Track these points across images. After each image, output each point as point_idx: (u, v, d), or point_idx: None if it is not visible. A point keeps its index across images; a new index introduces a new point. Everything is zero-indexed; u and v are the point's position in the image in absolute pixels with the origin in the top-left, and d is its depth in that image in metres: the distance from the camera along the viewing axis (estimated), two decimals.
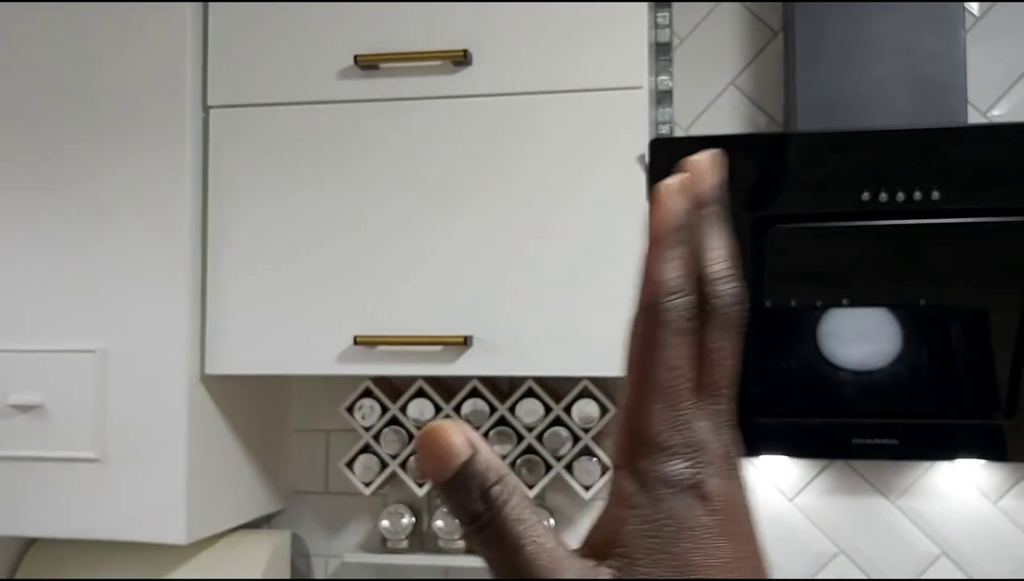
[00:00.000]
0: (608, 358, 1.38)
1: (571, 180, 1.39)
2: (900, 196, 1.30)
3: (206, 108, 1.49)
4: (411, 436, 1.66)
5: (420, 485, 1.65)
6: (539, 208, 1.40)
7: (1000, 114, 1.59)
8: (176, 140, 1.45)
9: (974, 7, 1.61)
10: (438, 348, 1.42)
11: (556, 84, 1.39)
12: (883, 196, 1.30)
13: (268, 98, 1.47)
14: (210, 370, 1.47)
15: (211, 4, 1.49)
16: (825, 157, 1.29)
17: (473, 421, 1.63)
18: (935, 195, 1.29)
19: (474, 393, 1.64)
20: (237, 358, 1.46)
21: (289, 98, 1.46)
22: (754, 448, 1.55)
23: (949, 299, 1.38)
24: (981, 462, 1.59)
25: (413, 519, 1.68)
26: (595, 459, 1.61)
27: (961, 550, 1.59)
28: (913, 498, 1.61)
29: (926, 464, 1.61)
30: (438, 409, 1.65)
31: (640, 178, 1.37)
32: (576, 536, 1.68)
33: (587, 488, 1.62)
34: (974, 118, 1.59)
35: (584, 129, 1.38)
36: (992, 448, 1.48)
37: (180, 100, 1.46)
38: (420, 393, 1.65)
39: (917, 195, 1.30)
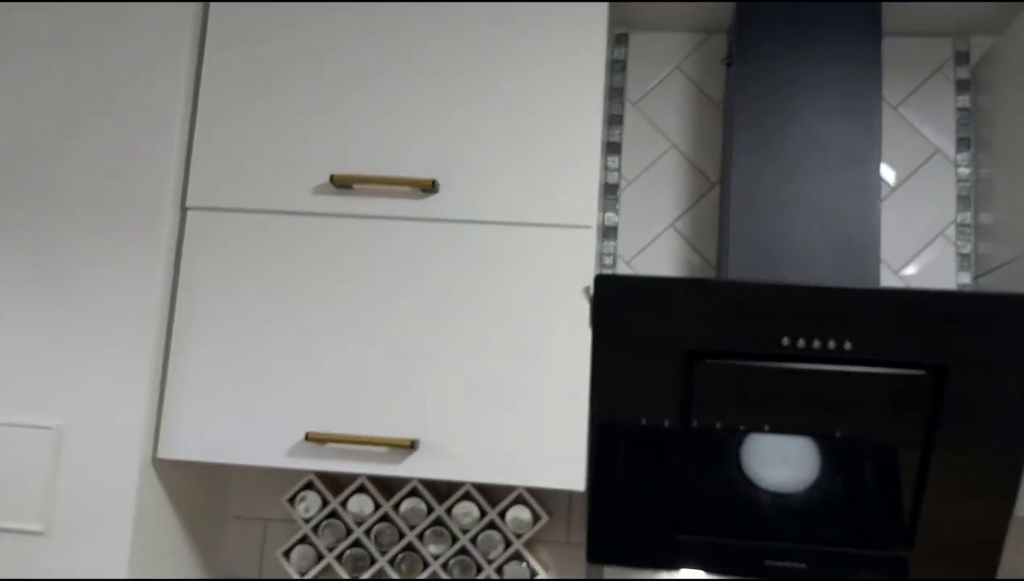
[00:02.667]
0: (543, 469, 1.48)
1: (521, 305, 1.50)
2: (816, 343, 1.44)
3: (184, 208, 1.59)
4: (349, 530, 1.72)
5: (354, 579, 1.71)
6: (491, 327, 1.50)
7: (910, 273, 1.76)
8: (152, 235, 1.54)
9: (890, 178, 1.79)
10: (385, 449, 1.50)
11: (514, 217, 1.52)
12: (801, 342, 1.44)
13: (245, 204, 1.57)
14: (162, 454, 1.53)
15: (200, 107, 1.59)
16: (752, 304, 1.42)
17: (410, 520, 1.70)
18: (847, 346, 1.43)
19: (414, 493, 1.71)
20: (190, 444, 1.52)
21: (265, 206, 1.56)
22: (674, 562, 1.65)
23: (861, 435, 1.50)
24: None
25: None
26: (524, 564, 1.69)
27: None
28: None
29: None
30: (377, 506, 1.72)
31: (584, 308, 1.49)
32: None
33: None
34: (886, 275, 1.76)
35: (536, 260, 1.51)
36: (894, 578, 1.59)
37: (160, 198, 1.55)
38: (361, 489, 1.72)
39: (831, 344, 1.43)
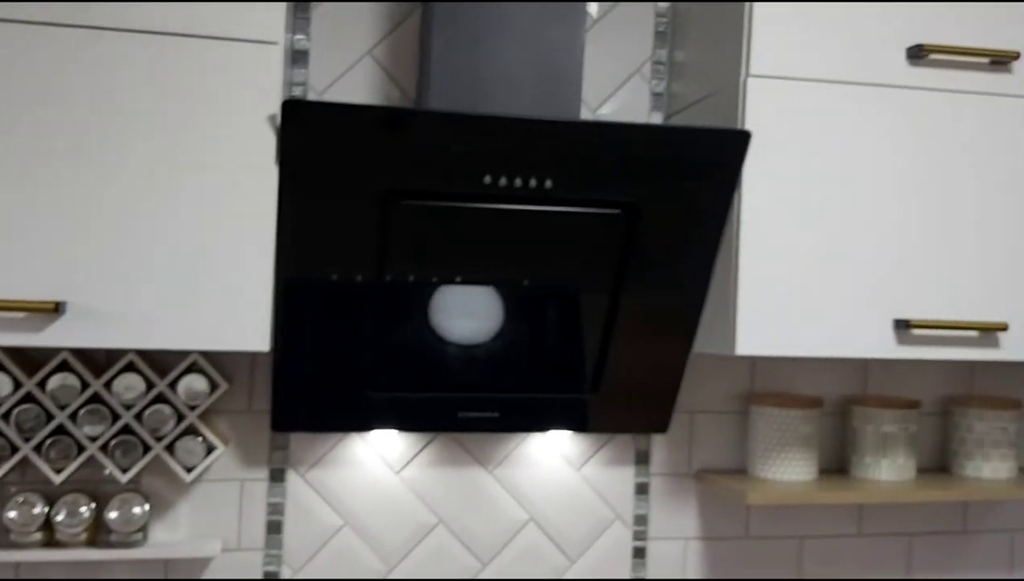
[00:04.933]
0: (222, 331, 1.31)
1: (194, 137, 1.29)
2: (518, 182, 1.37)
3: None
4: None
5: None
6: (157, 162, 1.28)
7: (606, 113, 1.74)
8: None
9: (593, 8, 1.74)
10: (22, 315, 1.24)
11: (182, 27, 1.28)
12: (503, 181, 1.36)
13: None
14: None
15: None
16: (454, 137, 1.32)
17: (61, 398, 1.45)
18: (548, 184, 1.38)
19: (63, 367, 1.45)
20: None
21: None
22: (366, 422, 1.56)
23: (551, 282, 1.48)
24: (569, 433, 1.73)
25: None
26: (200, 438, 1.51)
27: (546, 514, 1.73)
28: (508, 468, 1.72)
29: (522, 435, 1.73)
30: (18, 385, 1.44)
31: (270, 141, 1.30)
32: (174, 520, 1.57)
33: (189, 470, 1.51)
34: (584, 115, 1.73)
35: (212, 81, 1.29)
36: (579, 420, 1.63)
37: None
38: None
39: (533, 182, 1.37)
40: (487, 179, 1.36)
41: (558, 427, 1.63)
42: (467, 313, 1.50)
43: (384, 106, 1.30)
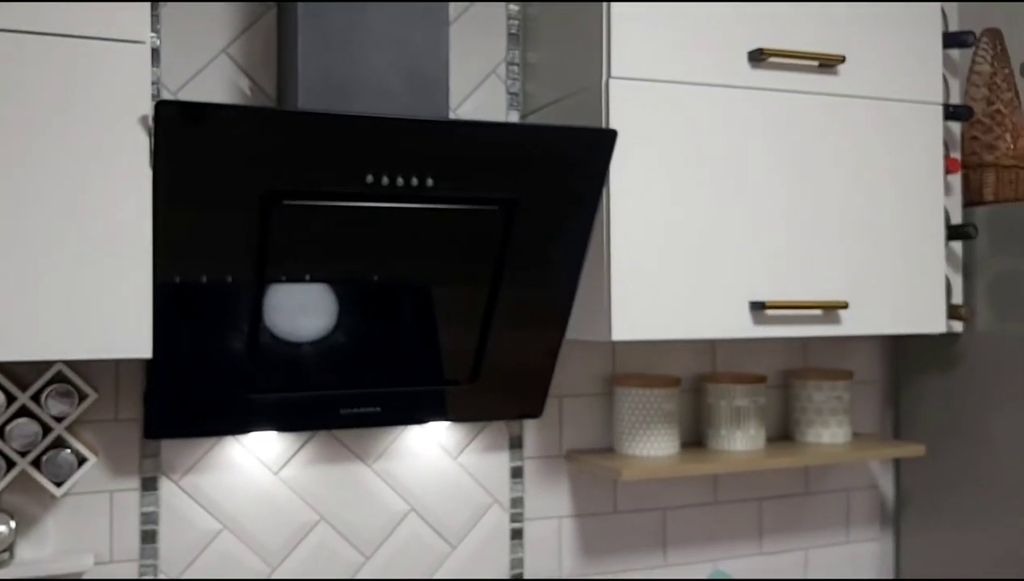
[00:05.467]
0: (88, 339, 1.26)
1: (63, 137, 1.24)
2: (400, 181, 1.39)
3: None
4: None
5: None
6: (23, 165, 1.22)
7: (466, 111, 1.78)
8: None
9: (449, 12, 1.76)
10: None
11: (47, 26, 1.22)
12: (385, 180, 1.38)
13: None
14: None
15: None
16: (335, 138, 1.32)
17: None
18: (429, 182, 1.41)
19: None
20: None
21: None
22: (246, 425, 1.54)
23: (432, 277, 1.51)
24: (446, 423, 1.77)
25: None
26: (69, 451, 1.46)
27: (426, 503, 1.76)
28: (387, 461, 1.74)
29: (400, 428, 1.75)
30: None
31: (144, 140, 1.27)
32: (41, 537, 1.50)
33: (59, 484, 1.46)
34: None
35: (79, 82, 1.24)
36: (458, 410, 1.67)
37: None
38: None
39: (414, 181, 1.40)
40: (369, 178, 1.38)
41: (438, 418, 1.67)
42: (349, 310, 1.50)
43: (268, 108, 1.29)
